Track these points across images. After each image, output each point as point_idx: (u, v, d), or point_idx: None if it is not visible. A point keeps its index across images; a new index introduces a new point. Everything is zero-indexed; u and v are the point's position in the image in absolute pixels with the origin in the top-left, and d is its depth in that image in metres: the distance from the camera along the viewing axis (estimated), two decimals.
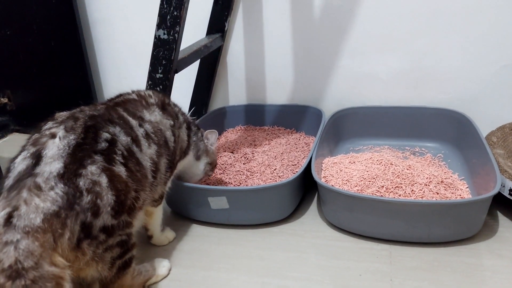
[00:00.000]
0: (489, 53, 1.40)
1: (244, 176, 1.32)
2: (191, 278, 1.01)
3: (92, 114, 0.89)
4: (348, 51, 1.52)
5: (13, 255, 0.69)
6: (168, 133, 1.02)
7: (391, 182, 1.18)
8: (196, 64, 1.59)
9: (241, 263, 1.05)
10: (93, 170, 0.79)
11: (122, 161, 0.86)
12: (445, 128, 1.45)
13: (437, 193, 1.15)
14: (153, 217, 1.09)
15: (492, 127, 1.36)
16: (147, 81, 1.19)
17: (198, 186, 1.17)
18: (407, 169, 1.24)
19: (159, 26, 1.13)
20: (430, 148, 1.45)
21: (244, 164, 1.40)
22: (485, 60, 1.41)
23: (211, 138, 1.20)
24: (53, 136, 0.81)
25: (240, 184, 1.29)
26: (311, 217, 1.21)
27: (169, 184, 1.09)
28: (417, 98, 1.51)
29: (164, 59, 1.16)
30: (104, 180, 0.80)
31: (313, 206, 1.26)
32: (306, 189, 1.29)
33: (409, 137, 1.49)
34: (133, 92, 1.05)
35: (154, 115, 1.00)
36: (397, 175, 1.21)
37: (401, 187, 1.17)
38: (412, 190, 1.16)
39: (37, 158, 0.78)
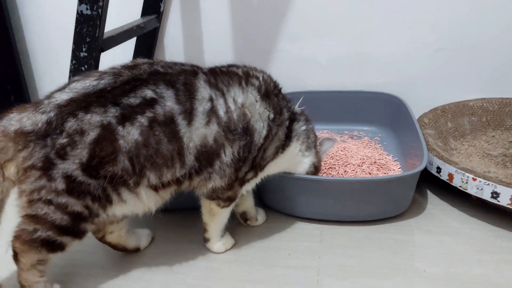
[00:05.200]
0: (424, 37, 1.42)
1: None
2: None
3: (155, 70, 0.83)
4: (287, 35, 1.50)
5: None
6: (259, 125, 0.88)
7: (324, 163, 1.17)
8: (133, 47, 1.53)
9: (170, 248, 1.01)
10: (91, 120, 0.76)
11: (145, 124, 0.77)
12: (381, 112, 1.46)
13: (370, 173, 1.15)
14: (212, 218, 0.96)
15: (426, 109, 1.38)
16: (71, 60, 1.12)
17: None
18: (341, 151, 1.24)
19: (81, 1, 1.07)
20: (368, 132, 1.46)
21: None
22: (420, 44, 1.43)
23: (325, 145, 1.07)
24: (111, 74, 0.80)
25: None
26: None
27: (247, 187, 0.95)
28: (356, 82, 1.51)
29: (88, 36, 1.10)
30: (91, 136, 0.75)
31: None
32: None
33: (347, 121, 1.49)
34: (245, 67, 0.94)
35: (245, 97, 0.87)
36: (331, 157, 1.21)
37: (335, 168, 1.17)
38: (345, 171, 1.16)
39: (66, 84, 0.81)
